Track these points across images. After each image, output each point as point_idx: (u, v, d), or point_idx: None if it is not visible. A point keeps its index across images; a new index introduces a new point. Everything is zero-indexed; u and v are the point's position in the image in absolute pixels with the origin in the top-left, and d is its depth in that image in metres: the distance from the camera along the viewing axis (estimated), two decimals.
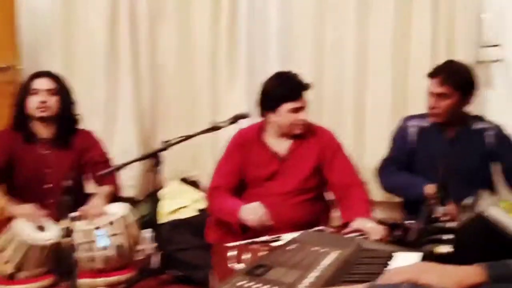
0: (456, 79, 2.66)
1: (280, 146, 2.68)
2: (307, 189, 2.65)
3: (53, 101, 2.89)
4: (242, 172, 2.68)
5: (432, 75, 2.70)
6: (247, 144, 2.70)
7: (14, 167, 2.90)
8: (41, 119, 2.90)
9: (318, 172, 2.67)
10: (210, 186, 2.73)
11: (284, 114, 2.60)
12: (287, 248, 1.49)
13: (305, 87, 2.62)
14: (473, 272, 1.13)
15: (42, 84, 2.88)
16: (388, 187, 2.92)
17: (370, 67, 3.52)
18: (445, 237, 1.78)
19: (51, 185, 2.89)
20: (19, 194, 2.88)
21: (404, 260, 1.43)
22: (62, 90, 2.94)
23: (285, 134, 2.66)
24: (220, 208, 2.60)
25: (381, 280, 1.15)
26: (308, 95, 2.64)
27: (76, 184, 2.93)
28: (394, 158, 2.89)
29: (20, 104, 2.87)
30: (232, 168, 2.69)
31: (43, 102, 2.85)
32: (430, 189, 2.44)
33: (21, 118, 2.89)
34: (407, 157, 2.85)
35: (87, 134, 3.06)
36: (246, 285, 1.12)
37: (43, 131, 2.93)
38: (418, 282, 1.10)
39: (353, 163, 2.71)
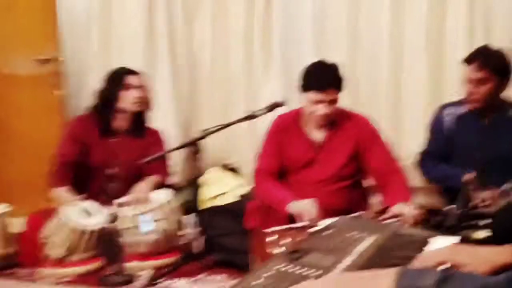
0: (494, 63, 2.63)
1: (317, 134, 2.70)
2: (344, 176, 2.67)
3: (144, 95, 3.10)
4: (282, 157, 2.72)
5: (469, 60, 2.67)
6: (286, 130, 2.73)
7: (85, 154, 3.05)
8: (128, 113, 3.07)
9: (355, 160, 2.68)
10: (256, 169, 2.78)
11: (307, 102, 2.62)
12: (324, 233, 1.52)
13: (333, 82, 2.57)
14: (506, 252, 1.13)
15: (136, 81, 3.08)
16: (428, 180, 2.92)
17: (406, 54, 3.48)
18: (482, 222, 1.79)
19: (116, 171, 3.03)
20: (84, 177, 3.05)
21: (441, 245, 1.45)
22: (147, 89, 3.15)
23: (311, 123, 2.67)
24: (268, 194, 2.64)
25: (415, 263, 1.17)
26: (339, 91, 2.60)
27: (135, 174, 3.06)
28: (432, 151, 2.89)
29: (109, 96, 3.05)
30: (274, 151, 2.73)
31: (140, 97, 3.06)
32: (468, 177, 2.44)
33: (105, 111, 3.06)
34: (445, 147, 2.84)
35: (156, 132, 3.25)
36: (283, 268, 1.16)
37: (121, 123, 3.10)
38: (450, 264, 1.12)
39: (391, 149, 2.72)
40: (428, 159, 2.89)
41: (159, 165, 3.08)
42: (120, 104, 3.04)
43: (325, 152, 2.68)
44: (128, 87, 3.04)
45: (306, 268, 1.18)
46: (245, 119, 2.72)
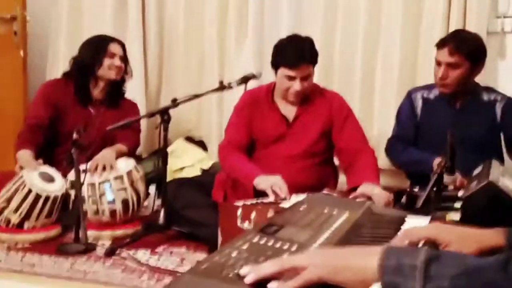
0: (467, 48, 2.60)
1: (288, 109, 2.67)
2: (314, 153, 2.66)
3: (123, 65, 3.10)
4: (251, 131, 2.68)
5: (441, 44, 2.65)
6: (256, 104, 2.69)
7: (57, 120, 3.00)
8: (106, 81, 3.05)
9: (326, 137, 2.66)
10: (223, 142, 2.74)
11: (279, 78, 2.57)
12: (297, 208, 1.49)
13: (306, 57, 2.52)
14: (493, 235, 1.10)
15: (118, 50, 3.06)
16: (398, 165, 2.93)
17: (382, 35, 3.47)
18: (456, 205, 1.79)
19: (80, 137, 2.94)
20: (52, 144, 3.01)
21: (417, 224, 1.44)
22: (126, 59, 3.14)
23: (284, 98, 2.63)
24: (234, 167, 2.60)
25: (397, 239, 1.14)
26: (312, 66, 2.57)
27: (109, 144, 3.00)
28: (401, 136, 2.88)
29: (92, 62, 2.99)
30: (243, 125, 2.69)
31: (119, 66, 3.04)
32: (438, 161, 2.44)
33: (83, 76, 3.01)
34: (415, 131, 2.83)
35: (132, 104, 3.26)
36: (260, 241, 1.13)
37: (98, 92, 3.07)
38: (436, 242, 1.09)
39: (361, 129, 2.71)
40: (397, 144, 2.88)
41: (129, 134, 3.07)
42: (101, 72, 3.01)
43: (296, 128, 2.65)
44: (112, 55, 3.02)
45: (280, 242, 1.14)
46: (218, 89, 2.66)
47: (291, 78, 2.53)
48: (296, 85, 2.53)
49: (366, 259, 0.86)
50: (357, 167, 2.56)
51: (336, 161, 2.80)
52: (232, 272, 0.93)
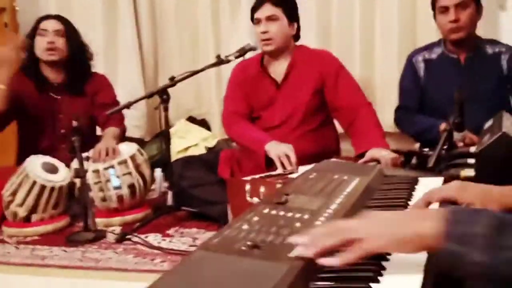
0: None
1: (277, 72, 2.62)
2: (310, 114, 2.59)
3: (60, 43, 2.84)
4: (248, 101, 2.65)
5: None
6: (247, 73, 2.67)
7: (27, 113, 2.87)
8: (51, 64, 2.86)
9: (319, 96, 2.59)
10: (225, 112, 2.71)
11: (254, 27, 2.59)
12: (307, 177, 1.45)
13: (260, 3, 2.54)
14: None
15: (50, 25, 2.82)
16: (409, 135, 2.87)
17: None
18: (469, 161, 1.75)
19: (64, 130, 2.87)
20: (32, 139, 2.89)
21: (428, 185, 1.40)
22: (70, 32, 2.89)
23: (264, 52, 2.60)
24: (243, 134, 2.57)
25: (418, 202, 1.10)
26: (278, 8, 2.53)
27: (88, 127, 2.92)
28: (406, 106, 2.81)
29: (29, 46, 2.80)
30: (240, 96, 2.67)
31: (51, 42, 2.80)
32: (444, 126, 2.37)
33: (32, 62, 2.83)
34: (420, 95, 2.76)
35: (100, 78, 3.05)
36: (271, 212, 1.09)
37: (54, 76, 2.90)
38: (457, 202, 1.05)
39: (357, 83, 2.63)
40: (404, 115, 2.81)
41: (116, 116, 2.88)
42: (38, 53, 2.82)
43: (287, 89, 2.60)
44: (41, 33, 2.80)
45: (292, 211, 1.10)
46: (216, 64, 2.59)
47: (258, 22, 2.55)
48: (261, 27, 2.53)
49: (425, 224, 0.80)
50: (359, 129, 2.49)
51: (333, 125, 2.73)
52: (244, 244, 0.89)
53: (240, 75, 2.69)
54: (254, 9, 2.58)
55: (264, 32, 2.53)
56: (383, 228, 0.84)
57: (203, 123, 3.93)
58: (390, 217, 0.87)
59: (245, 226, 1.00)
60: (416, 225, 0.82)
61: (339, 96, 2.56)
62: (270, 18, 2.53)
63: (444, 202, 1.07)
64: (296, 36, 2.66)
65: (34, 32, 2.83)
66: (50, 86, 2.89)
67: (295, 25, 2.61)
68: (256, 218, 1.05)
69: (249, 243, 0.90)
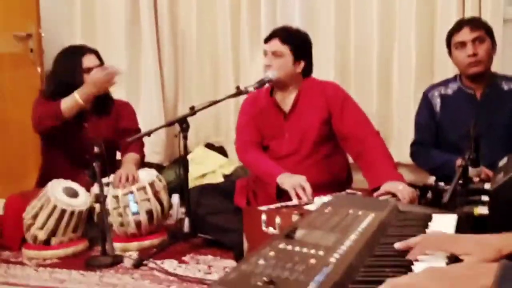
0: (483, 23, 2.66)
1: (285, 102, 2.68)
2: (319, 145, 2.62)
3: None
4: (258, 130, 2.70)
5: (458, 27, 2.65)
6: (257, 103, 2.73)
7: (54, 137, 2.95)
8: None
9: (328, 126, 2.62)
10: (237, 142, 2.76)
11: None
12: (322, 211, 1.48)
13: (277, 33, 2.62)
14: None
15: (93, 61, 2.95)
16: (425, 170, 2.89)
17: (396, 31, 3.45)
18: (484, 198, 1.76)
19: (87, 156, 2.93)
20: (55, 163, 2.99)
21: (441, 222, 1.42)
22: (103, 64, 3.02)
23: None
24: (256, 164, 2.62)
25: (415, 250, 1.12)
26: (285, 45, 2.60)
27: (109, 152, 2.98)
28: (421, 141, 2.83)
29: (67, 77, 2.90)
30: (251, 126, 2.72)
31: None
32: (460, 161, 2.39)
33: (63, 90, 2.89)
34: (436, 130, 2.78)
35: (124, 104, 3.17)
36: (287, 247, 1.12)
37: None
38: (454, 253, 1.08)
39: (363, 112, 2.66)
40: (419, 150, 2.83)
41: (135, 142, 2.97)
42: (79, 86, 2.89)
43: (294, 118, 2.65)
44: (88, 70, 2.91)
45: (307, 247, 1.13)
46: (235, 95, 2.65)
47: (265, 55, 2.64)
48: (266, 60, 2.62)
49: (480, 282, 0.85)
50: (370, 159, 2.48)
51: (343, 153, 2.75)
52: (260, 280, 0.92)
53: (251, 106, 2.75)
54: (265, 41, 2.68)
55: (267, 65, 2.63)
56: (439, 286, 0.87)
57: (221, 150, 3.98)
58: (445, 274, 0.90)
59: (261, 261, 1.03)
60: (472, 283, 0.85)
61: (345, 125, 2.59)
62: (275, 53, 2.60)
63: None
64: (305, 72, 2.70)
65: (75, 69, 2.91)
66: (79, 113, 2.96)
67: (302, 63, 2.65)
68: (272, 253, 1.08)
69: (265, 278, 0.93)
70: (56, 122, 2.82)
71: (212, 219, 2.62)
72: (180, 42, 3.96)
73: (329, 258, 1.07)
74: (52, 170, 2.96)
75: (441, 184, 2.23)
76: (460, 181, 1.91)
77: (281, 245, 1.14)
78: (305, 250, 1.11)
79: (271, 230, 1.92)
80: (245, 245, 2.16)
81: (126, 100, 3.25)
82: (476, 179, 2.15)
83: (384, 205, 1.57)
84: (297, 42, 2.64)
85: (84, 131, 2.98)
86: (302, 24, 3.53)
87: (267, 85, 2.69)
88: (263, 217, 1.96)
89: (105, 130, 2.97)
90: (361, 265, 1.11)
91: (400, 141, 3.08)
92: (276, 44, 2.60)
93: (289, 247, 1.13)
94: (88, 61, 2.94)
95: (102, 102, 3.02)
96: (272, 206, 2.08)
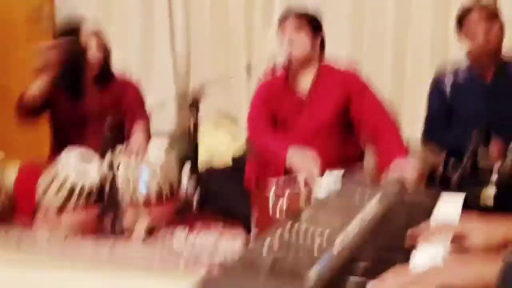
0: (491, 5, 2.62)
1: (302, 85, 2.66)
2: (333, 132, 2.63)
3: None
4: (274, 118, 2.70)
5: (467, 11, 2.63)
6: (272, 89, 2.70)
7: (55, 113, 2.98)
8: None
9: (344, 111, 2.62)
10: (250, 120, 2.75)
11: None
12: (330, 194, 1.51)
13: (291, 10, 2.64)
14: None
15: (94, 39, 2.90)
16: (438, 145, 2.89)
17: (413, 8, 3.44)
18: (492, 178, 1.77)
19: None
20: (62, 138, 3.00)
21: (447, 208, 1.44)
22: (107, 48, 2.99)
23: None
24: (267, 143, 2.61)
25: (422, 237, 1.15)
26: (307, 26, 2.59)
27: (116, 125, 3.01)
28: (435, 119, 2.83)
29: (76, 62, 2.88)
30: (266, 110, 2.70)
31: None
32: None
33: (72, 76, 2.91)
34: (448, 111, 2.77)
35: (126, 84, 3.11)
36: (292, 230, 1.14)
37: (89, 74, 2.96)
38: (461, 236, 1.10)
39: (382, 101, 2.63)
40: (433, 124, 2.83)
41: (140, 111, 3.00)
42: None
43: (312, 101, 2.63)
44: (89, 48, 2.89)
45: (312, 229, 1.16)
46: (248, 73, 2.65)
47: (284, 32, 2.59)
48: (288, 36, 2.57)
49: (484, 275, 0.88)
50: (383, 143, 2.49)
51: (357, 138, 2.75)
52: (266, 265, 0.94)
53: (265, 93, 2.72)
54: (282, 20, 2.64)
55: (290, 40, 2.57)
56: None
57: (233, 122, 4.00)
58: (449, 273, 0.92)
59: (267, 243, 1.05)
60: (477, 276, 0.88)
61: (363, 114, 2.58)
62: (296, 29, 2.58)
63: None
64: (321, 47, 2.70)
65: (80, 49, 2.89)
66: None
67: (319, 38, 2.65)
68: (277, 236, 1.11)
69: (272, 258, 0.95)
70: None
71: (221, 204, 2.65)
72: (193, 16, 3.95)
73: (335, 241, 1.10)
74: (61, 141, 3.00)
75: (452, 164, 2.22)
76: (470, 163, 1.92)
77: (287, 228, 1.16)
78: (311, 232, 1.14)
79: (278, 215, 1.93)
80: (253, 230, 2.19)
81: (130, 79, 3.18)
82: (487, 159, 2.14)
83: (390, 188, 1.59)
84: (313, 17, 2.65)
85: (85, 104, 2.99)
86: (315, 3, 3.52)
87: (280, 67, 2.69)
88: (271, 201, 1.97)
89: (109, 106, 2.98)
90: (366, 249, 1.13)
91: (412, 123, 3.08)
92: (295, 21, 2.59)
93: (294, 230, 1.16)
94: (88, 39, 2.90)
95: (106, 71, 3.00)
96: (281, 179, 2.10)
